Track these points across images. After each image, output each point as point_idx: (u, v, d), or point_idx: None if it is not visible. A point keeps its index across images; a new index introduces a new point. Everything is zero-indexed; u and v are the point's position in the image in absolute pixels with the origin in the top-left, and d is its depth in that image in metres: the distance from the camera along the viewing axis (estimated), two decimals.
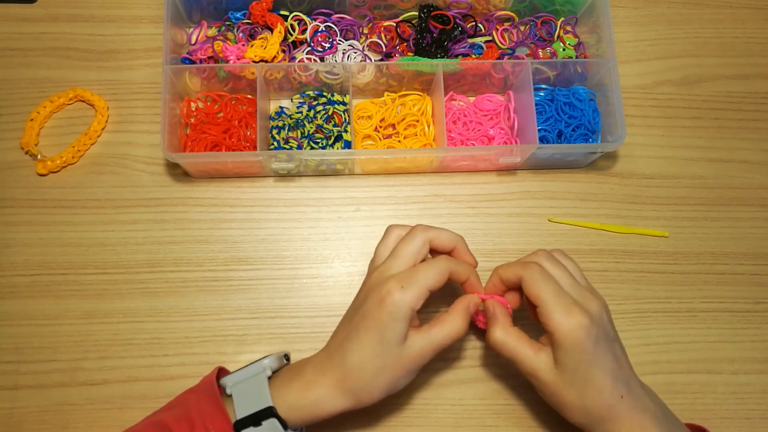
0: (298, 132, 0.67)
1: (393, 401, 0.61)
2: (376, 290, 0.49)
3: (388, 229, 0.55)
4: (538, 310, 0.50)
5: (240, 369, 0.53)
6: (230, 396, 0.51)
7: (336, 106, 0.68)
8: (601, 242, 0.67)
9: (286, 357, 0.56)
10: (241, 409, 0.49)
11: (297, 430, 0.52)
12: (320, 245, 0.66)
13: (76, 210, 0.66)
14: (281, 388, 0.51)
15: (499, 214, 0.67)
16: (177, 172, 0.67)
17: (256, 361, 0.53)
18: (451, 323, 0.51)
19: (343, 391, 0.49)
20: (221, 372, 0.54)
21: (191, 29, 0.69)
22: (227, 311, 0.63)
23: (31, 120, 0.67)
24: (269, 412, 0.49)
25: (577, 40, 0.71)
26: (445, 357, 0.62)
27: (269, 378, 0.51)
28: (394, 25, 0.70)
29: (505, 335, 0.51)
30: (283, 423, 0.49)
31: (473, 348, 0.63)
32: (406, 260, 0.51)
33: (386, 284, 0.49)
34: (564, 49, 0.70)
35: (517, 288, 0.53)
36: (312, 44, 0.68)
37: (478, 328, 0.58)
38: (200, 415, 0.48)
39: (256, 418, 0.48)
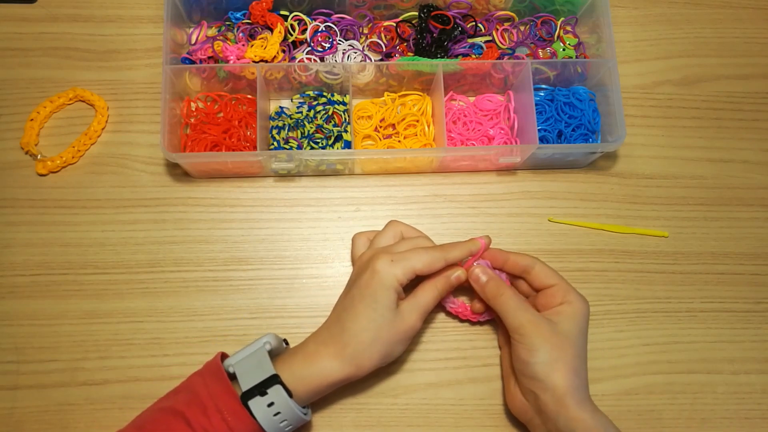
0: (298, 132, 0.67)
1: (393, 401, 0.61)
2: (370, 264, 0.55)
3: (390, 224, 0.60)
4: (552, 289, 0.57)
5: (240, 350, 0.54)
6: (234, 376, 0.52)
7: (336, 106, 0.68)
8: (601, 242, 0.67)
9: (285, 342, 0.58)
10: (246, 382, 0.51)
11: (304, 409, 0.54)
12: (320, 245, 0.66)
13: (76, 210, 0.66)
14: (285, 362, 0.53)
15: (499, 214, 0.67)
16: (177, 172, 0.67)
17: (255, 341, 0.55)
18: (433, 288, 0.56)
19: (344, 358, 0.52)
20: (223, 357, 0.55)
21: (191, 29, 0.69)
22: (227, 311, 0.63)
23: (31, 120, 0.67)
24: (274, 380, 0.51)
25: (577, 40, 0.71)
26: (445, 357, 0.63)
27: (273, 358, 0.54)
28: (394, 25, 0.70)
29: (511, 290, 0.57)
30: (288, 391, 0.51)
31: (473, 348, 0.63)
32: (395, 236, 0.59)
33: (378, 258, 0.54)
34: (564, 49, 0.70)
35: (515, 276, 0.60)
36: (312, 44, 0.68)
37: (472, 322, 0.62)
38: (211, 397, 0.51)
39: (262, 387, 0.51)
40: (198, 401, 0.51)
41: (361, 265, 0.56)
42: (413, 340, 0.63)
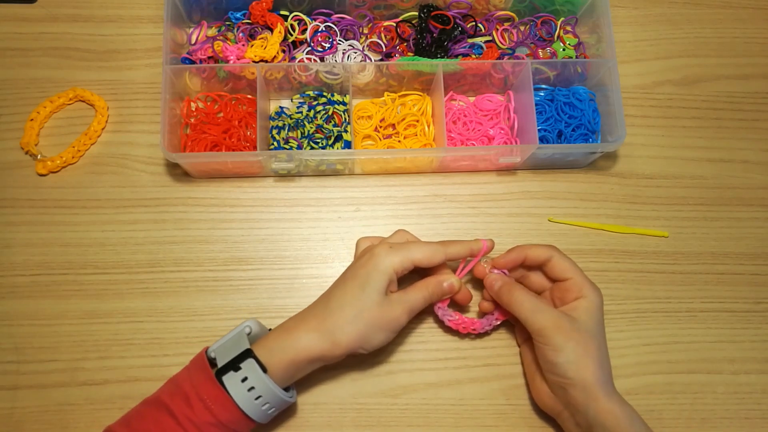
0: (298, 132, 0.67)
1: (393, 401, 0.61)
2: (369, 251, 0.56)
3: (398, 231, 0.60)
4: (567, 283, 0.57)
5: (222, 337, 0.55)
6: (216, 362, 0.52)
7: (336, 106, 0.68)
8: (601, 242, 0.67)
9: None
10: (222, 361, 0.52)
11: (289, 392, 0.54)
12: (320, 245, 0.66)
13: (76, 210, 0.66)
14: (263, 340, 0.53)
15: (499, 214, 0.67)
16: (177, 172, 0.67)
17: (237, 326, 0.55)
18: (424, 288, 0.57)
19: (321, 331, 0.53)
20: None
21: (191, 29, 0.69)
22: (227, 311, 0.63)
23: (31, 120, 0.67)
24: (247, 355, 0.51)
25: (577, 40, 0.71)
26: (445, 357, 0.62)
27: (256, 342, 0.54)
28: (394, 25, 0.70)
29: (526, 292, 0.57)
30: (262, 366, 0.51)
31: (473, 348, 0.63)
32: (402, 239, 0.59)
33: (378, 245, 0.56)
34: (564, 49, 0.70)
35: (532, 267, 0.60)
36: (312, 44, 0.68)
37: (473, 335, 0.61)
38: (193, 387, 0.51)
39: (235, 362, 0.51)
40: (181, 392, 0.51)
41: (362, 253, 0.57)
42: (413, 340, 0.63)
